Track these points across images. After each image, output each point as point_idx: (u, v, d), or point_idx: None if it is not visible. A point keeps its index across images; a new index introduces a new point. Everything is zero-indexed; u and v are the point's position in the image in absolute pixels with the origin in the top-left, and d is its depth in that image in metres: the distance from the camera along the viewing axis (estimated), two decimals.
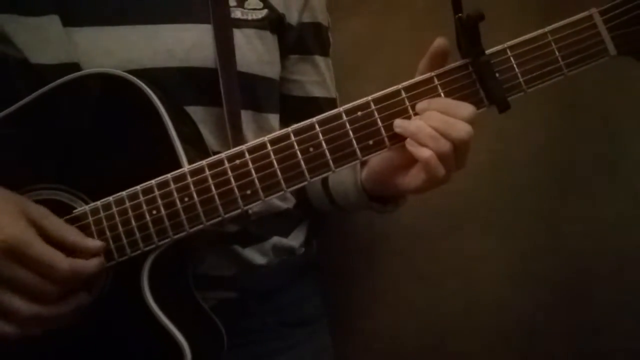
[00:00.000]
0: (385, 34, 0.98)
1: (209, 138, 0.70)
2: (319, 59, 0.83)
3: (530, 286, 0.96)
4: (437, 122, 0.54)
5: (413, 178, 0.58)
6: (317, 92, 0.83)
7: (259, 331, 0.75)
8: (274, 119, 0.78)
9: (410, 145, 0.55)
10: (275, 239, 0.77)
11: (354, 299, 1.02)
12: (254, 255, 0.74)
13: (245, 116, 0.73)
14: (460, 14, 0.53)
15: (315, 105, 0.83)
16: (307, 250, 0.83)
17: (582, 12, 0.55)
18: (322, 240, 0.97)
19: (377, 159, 0.62)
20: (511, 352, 0.96)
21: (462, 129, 0.54)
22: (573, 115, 0.92)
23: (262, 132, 0.75)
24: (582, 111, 0.92)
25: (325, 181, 0.79)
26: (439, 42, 0.55)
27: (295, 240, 0.80)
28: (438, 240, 0.98)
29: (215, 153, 0.69)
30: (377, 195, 0.71)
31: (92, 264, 0.57)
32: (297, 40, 0.80)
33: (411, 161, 0.58)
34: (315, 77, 0.83)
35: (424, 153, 0.54)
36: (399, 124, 0.56)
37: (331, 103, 0.86)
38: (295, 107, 0.82)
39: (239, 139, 0.70)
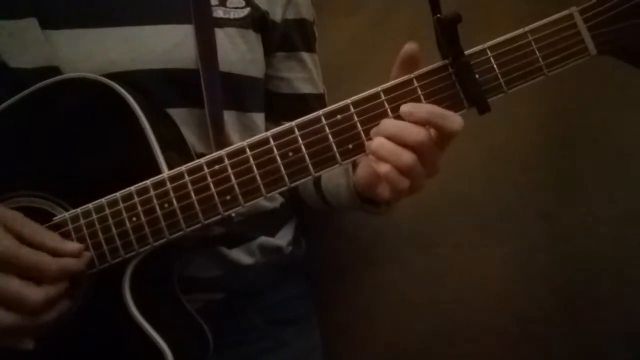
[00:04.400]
0: (384, 33, 0.99)
1: (193, 140, 0.72)
2: (305, 55, 0.85)
3: (530, 286, 0.97)
4: (394, 128, 0.56)
5: (381, 189, 0.60)
6: (305, 88, 0.86)
7: (248, 331, 0.78)
8: (259, 118, 0.80)
9: (372, 162, 0.57)
10: (262, 239, 0.79)
11: (353, 299, 1.04)
12: (241, 256, 0.77)
13: (229, 116, 0.75)
14: (439, 15, 0.55)
15: (304, 102, 0.86)
16: (294, 249, 0.85)
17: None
18: (321, 241, 0.98)
19: (360, 166, 0.64)
20: (511, 352, 0.97)
21: (416, 132, 0.55)
22: (573, 114, 0.93)
23: (248, 132, 0.78)
24: (581, 111, 0.93)
25: (317, 181, 0.81)
26: (410, 46, 0.57)
27: (282, 239, 0.83)
28: (437, 240, 1.00)
29: (199, 155, 0.71)
30: (369, 197, 0.73)
31: (80, 261, 0.60)
32: (282, 37, 0.82)
33: None
34: (302, 74, 0.85)
35: (381, 168, 0.56)
36: (367, 145, 0.57)
37: (319, 98, 0.88)
38: (284, 105, 0.84)
39: (222, 140, 0.72)
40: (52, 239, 0.60)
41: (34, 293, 0.57)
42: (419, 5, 0.96)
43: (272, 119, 0.83)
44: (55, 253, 0.59)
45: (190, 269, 0.73)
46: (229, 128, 0.75)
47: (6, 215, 0.59)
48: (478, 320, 0.98)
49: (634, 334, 0.91)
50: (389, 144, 0.55)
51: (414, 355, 1.00)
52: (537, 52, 0.55)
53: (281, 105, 0.85)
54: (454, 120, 0.55)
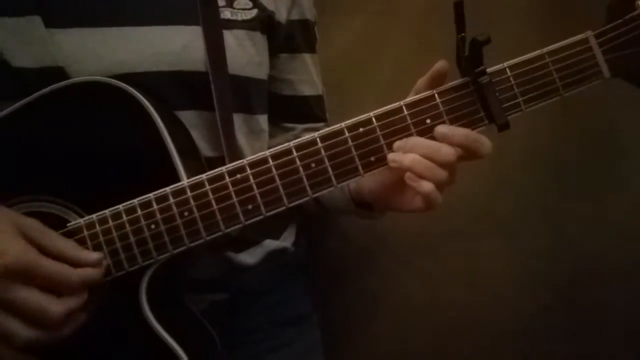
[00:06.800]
0: (387, 32, 1.02)
1: (200, 142, 0.74)
2: (307, 57, 0.89)
3: (530, 286, 1.02)
4: (424, 148, 0.60)
5: (408, 203, 0.64)
6: (306, 90, 0.89)
7: (252, 331, 0.81)
8: (263, 120, 0.83)
9: (411, 180, 0.60)
10: (268, 242, 0.82)
11: (356, 300, 1.08)
12: (246, 258, 0.80)
13: (237, 119, 0.77)
14: (463, 34, 0.59)
15: (305, 103, 0.89)
16: (297, 249, 0.89)
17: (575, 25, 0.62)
18: (323, 242, 1.02)
19: (372, 182, 0.67)
20: (511, 352, 1.02)
21: (447, 153, 0.59)
22: (575, 115, 0.97)
23: (254, 135, 0.80)
24: (583, 111, 0.96)
25: None
26: (442, 64, 0.60)
27: (286, 240, 0.86)
28: (439, 240, 1.05)
29: (207, 158, 0.73)
30: (366, 202, 0.76)
31: (100, 270, 0.61)
32: (286, 38, 0.84)
33: (404, 181, 0.62)
34: (304, 76, 0.89)
35: (425, 187, 0.59)
36: (393, 159, 0.61)
37: (318, 100, 0.92)
38: (285, 106, 0.88)
39: (232, 145, 0.75)
40: (72, 249, 0.60)
41: (55, 306, 0.57)
42: (422, 5, 1.01)
43: (272, 121, 0.86)
44: (75, 263, 0.60)
45: (194, 270, 0.75)
46: (237, 131, 0.77)
47: (24, 223, 0.59)
48: (479, 320, 1.04)
49: (634, 334, 0.97)
50: (425, 160, 0.59)
51: (416, 356, 1.04)
52: (554, 74, 0.60)
53: (282, 107, 0.88)
54: (486, 144, 0.60)
